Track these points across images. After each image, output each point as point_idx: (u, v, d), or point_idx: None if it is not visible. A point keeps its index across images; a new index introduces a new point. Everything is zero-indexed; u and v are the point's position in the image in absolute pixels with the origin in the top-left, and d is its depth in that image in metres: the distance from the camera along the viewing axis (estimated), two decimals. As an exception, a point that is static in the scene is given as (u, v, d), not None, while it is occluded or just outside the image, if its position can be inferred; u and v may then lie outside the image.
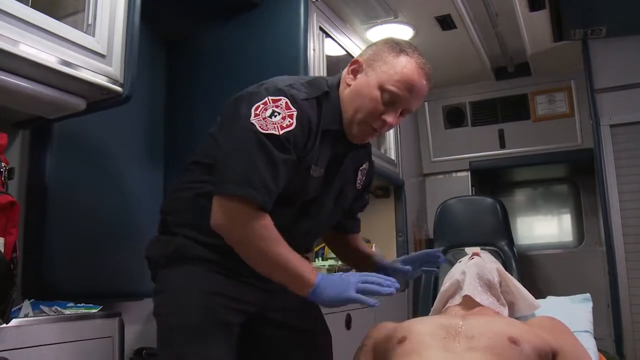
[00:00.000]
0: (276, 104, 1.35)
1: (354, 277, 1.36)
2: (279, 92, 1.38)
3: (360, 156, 1.64)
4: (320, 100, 1.45)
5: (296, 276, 1.34)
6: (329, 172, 1.50)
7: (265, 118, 1.33)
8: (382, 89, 1.43)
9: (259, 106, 1.35)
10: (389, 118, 1.46)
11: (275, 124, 1.33)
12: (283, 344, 1.57)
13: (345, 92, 1.50)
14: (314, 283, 1.34)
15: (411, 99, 1.47)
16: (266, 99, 1.36)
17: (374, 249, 3.42)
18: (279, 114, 1.34)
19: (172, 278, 1.43)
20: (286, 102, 1.36)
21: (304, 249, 1.63)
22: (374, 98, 1.44)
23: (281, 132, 1.33)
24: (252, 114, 1.34)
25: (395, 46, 1.47)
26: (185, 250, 1.43)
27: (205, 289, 1.40)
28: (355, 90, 1.48)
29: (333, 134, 1.48)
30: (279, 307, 1.54)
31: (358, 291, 1.33)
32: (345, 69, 1.53)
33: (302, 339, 1.59)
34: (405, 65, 1.44)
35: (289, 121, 1.34)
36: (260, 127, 1.32)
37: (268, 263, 1.35)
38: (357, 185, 1.67)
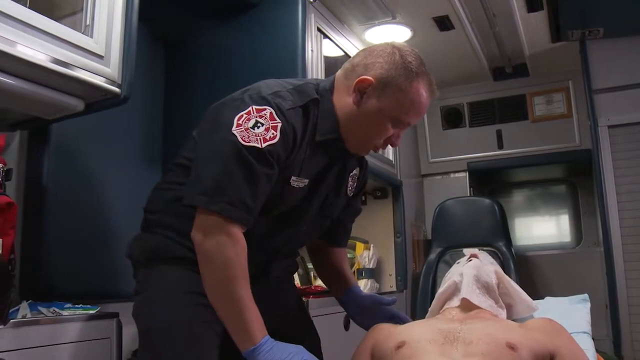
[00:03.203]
0: (260, 114, 1.29)
1: (305, 356, 1.27)
2: (264, 101, 1.32)
3: (351, 161, 1.58)
4: (308, 108, 1.39)
5: (244, 327, 1.25)
6: (315, 181, 1.45)
7: (247, 129, 1.27)
8: (395, 119, 1.42)
9: (242, 116, 1.29)
10: (397, 141, 1.48)
11: (258, 135, 1.27)
12: None
13: (346, 107, 1.42)
14: (258, 342, 1.23)
15: (418, 118, 1.48)
16: (250, 108, 1.30)
17: (371, 249, 3.43)
18: (263, 125, 1.28)
19: (151, 278, 1.39)
20: (271, 113, 1.30)
21: (285, 254, 1.57)
22: (385, 127, 1.42)
23: (264, 145, 1.27)
24: (235, 124, 1.28)
25: (408, 68, 1.40)
26: (164, 250, 1.39)
27: (184, 289, 1.35)
28: (364, 114, 1.41)
29: (329, 143, 1.43)
30: (264, 311, 1.49)
31: None
32: (340, 73, 1.48)
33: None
34: (419, 93, 1.41)
35: (273, 133, 1.28)
36: (241, 138, 1.26)
37: (224, 299, 1.27)
38: (348, 192, 1.61)
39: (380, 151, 3.76)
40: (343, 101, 1.43)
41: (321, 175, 1.46)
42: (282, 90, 1.36)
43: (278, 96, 1.34)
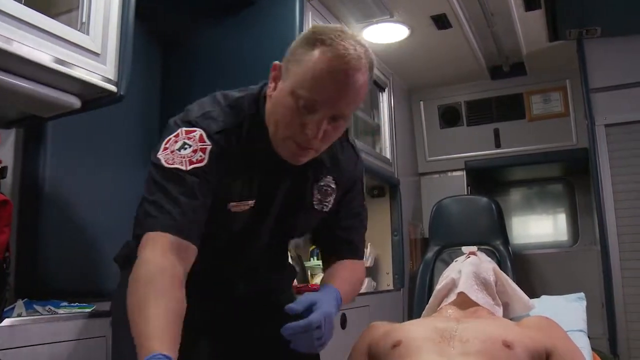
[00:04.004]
0: (189, 135, 1.21)
1: None
2: (193, 123, 1.23)
3: (311, 174, 1.37)
4: (242, 127, 1.27)
5: (142, 336, 0.99)
6: (263, 200, 1.32)
7: (173, 151, 1.19)
8: (294, 94, 1.18)
9: (170, 139, 1.21)
10: (310, 130, 1.18)
11: (184, 157, 1.18)
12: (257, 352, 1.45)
13: (267, 106, 1.28)
14: (151, 353, 0.94)
15: (337, 99, 1.18)
16: (179, 130, 1.22)
17: (368, 248, 3.43)
18: (190, 146, 1.19)
19: (123, 281, 1.31)
20: (200, 135, 1.21)
21: (252, 273, 1.45)
22: (287, 107, 1.19)
23: (189, 167, 1.17)
24: (162, 148, 1.20)
25: (310, 37, 1.19)
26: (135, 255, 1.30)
27: None
28: (273, 101, 1.25)
29: (264, 158, 1.29)
30: (247, 318, 1.43)
31: None
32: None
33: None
34: (318, 60, 1.15)
35: (201, 155, 1.19)
36: (165, 161, 1.18)
37: (138, 313, 1.03)
38: (316, 206, 1.40)
39: (379, 150, 3.77)
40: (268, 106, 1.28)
41: (269, 194, 1.33)
42: (214, 110, 1.27)
43: (208, 117, 1.25)
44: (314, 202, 1.39)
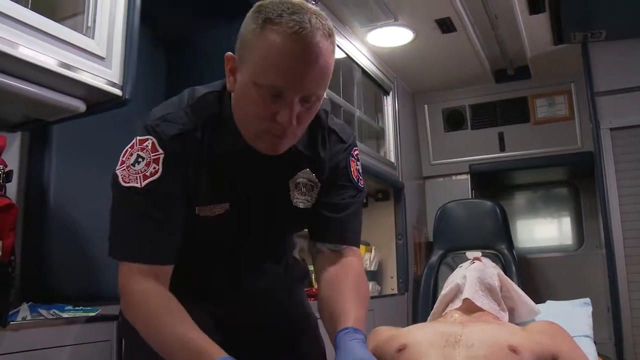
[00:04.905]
0: (142, 145, 1.16)
1: None
2: (147, 130, 1.18)
3: (287, 170, 1.29)
4: (206, 126, 1.21)
5: (196, 352, 1.05)
6: (243, 204, 1.26)
7: (129, 167, 1.15)
8: (256, 85, 1.09)
9: (127, 150, 1.17)
10: (282, 117, 1.10)
11: (138, 173, 1.15)
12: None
13: (233, 102, 1.21)
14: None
15: (303, 80, 1.08)
16: (134, 140, 1.17)
17: (372, 252, 3.42)
18: (144, 159, 1.15)
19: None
20: (152, 143, 1.16)
21: (257, 268, 1.42)
22: (252, 99, 1.11)
23: (143, 184, 1.14)
24: (120, 162, 1.17)
25: (256, 17, 1.10)
26: None
27: None
28: (236, 97, 1.18)
29: (235, 158, 1.22)
30: (252, 324, 1.40)
31: None
32: None
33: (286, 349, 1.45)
34: (272, 43, 1.05)
35: (154, 168, 1.14)
36: (122, 178, 1.15)
37: (164, 342, 1.11)
38: (299, 204, 1.31)
39: (383, 154, 3.77)
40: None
41: (248, 194, 1.26)
42: (174, 112, 1.21)
43: (165, 120, 1.19)
44: (294, 200, 1.31)
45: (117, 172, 1.16)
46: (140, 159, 1.15)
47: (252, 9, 1.13)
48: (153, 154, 1.15)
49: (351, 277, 1.30)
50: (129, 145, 1.18)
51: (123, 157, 1.17)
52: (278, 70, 1.06)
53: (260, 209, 1.30)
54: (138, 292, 1.15)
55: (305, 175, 1.31)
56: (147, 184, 1.14)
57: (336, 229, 1.34)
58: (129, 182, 1.14)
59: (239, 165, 1.23)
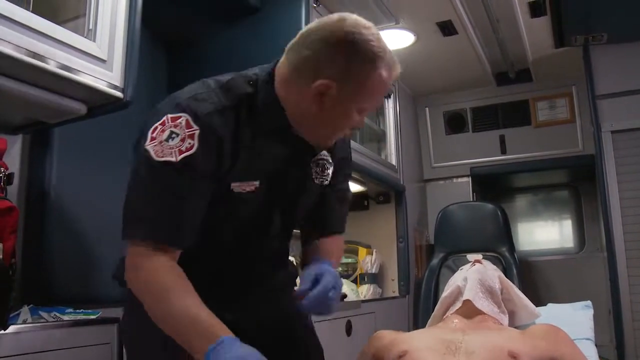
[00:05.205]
0: (175, 122, 1.17)
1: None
2: (179, 108, 1.19)
3: (311, 147, 1.37)
4: (239, 106, 1.25)
5: (202, 329, 1.09)
6: (271, 180, 1.30)
7: (162, 142, 1.15)
8: (356, 107, 1.25)
9: (156, 127, 1.17)
10: (360, 125, 1.33)
11: (173, 148, 1.15)
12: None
13: (301, 106, 1.25)
14: (219, 338, 1.06)
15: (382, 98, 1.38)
16: (165, 117, 1.18)
17: (374, 254, 3.42)
18: (178, 135, 1.15)
19: (131, 302, 1.29)
20: (186, 120, 1.17)
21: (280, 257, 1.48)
22: (347, 116, 1.26)
23: (179, 158, 1.14)
24: (149, 138, 1.17)
25: (368, 56, 1.22)
26: None
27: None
28: (328, 116, 1.24)
29: (279, 134, 1.29)
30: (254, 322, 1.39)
31: None
32: (284, 63, 1.32)
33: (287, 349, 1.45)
34: (381, 79, 1.22)
35: (190, 143, 1.15)
36: (155, 153, 1.15)
37: (169, 319, 1.13)
38: (316, 180, 1.41)
39: (384, 156, 3.77)
40: (295, 98, 1.26)
41: (277, 172, 1.32)
42: (203, 92, 1.24)
43: (196, 99, 1.21)
44: (314, 177, 1.40)
45: (148, 147, 1.15)
46: (174, 135, 1.15)
47: (352, 40, 1.23)
48: (188, 130, 1.16)
49: (333, 240, 1.50)
50: (159, 122, 1.17)
51: (152, 133, 1.17)
52: (378, 97, 1.29)
53: (285, 187, 1.35)
54: (152, 270, 1.15)
55: (323, 156, 1.42)
56: (184, 158, 1.14)
57: (337, 220, 1.53)
58: (163, 157, 1.14)
59: (271, 145, 1.29)
